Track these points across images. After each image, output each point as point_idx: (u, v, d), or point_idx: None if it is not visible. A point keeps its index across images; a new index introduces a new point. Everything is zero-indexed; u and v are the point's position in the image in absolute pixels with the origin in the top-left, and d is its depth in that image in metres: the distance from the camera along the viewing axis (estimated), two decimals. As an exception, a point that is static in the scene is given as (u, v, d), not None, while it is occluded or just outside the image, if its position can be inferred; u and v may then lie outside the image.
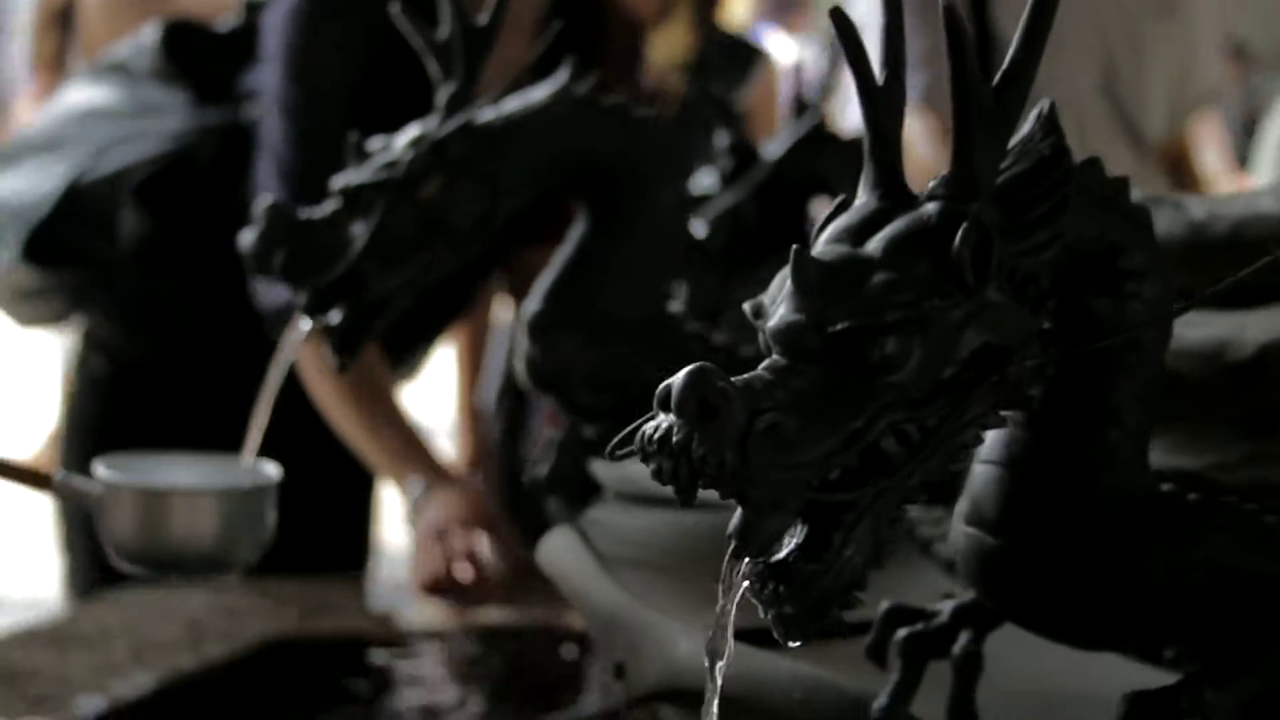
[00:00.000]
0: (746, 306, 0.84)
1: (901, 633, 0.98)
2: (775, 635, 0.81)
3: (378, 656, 1.84)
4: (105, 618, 1.90)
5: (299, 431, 2.01)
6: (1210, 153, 2.84)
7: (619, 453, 0.81)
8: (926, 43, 1.50)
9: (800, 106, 1.66)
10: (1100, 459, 0.89)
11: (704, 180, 1.69)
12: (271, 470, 1.47)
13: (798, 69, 1.68)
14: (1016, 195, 0.84)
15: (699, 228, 1.58)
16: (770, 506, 0.77)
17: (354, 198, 1.33)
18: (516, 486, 1.57)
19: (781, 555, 0.80)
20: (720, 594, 0.83)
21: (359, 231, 1.32)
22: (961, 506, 0.92)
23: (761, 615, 0.81)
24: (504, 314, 2.73)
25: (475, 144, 1.33)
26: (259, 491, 1.45)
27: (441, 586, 2.00)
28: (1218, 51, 2.85)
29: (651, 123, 1.42)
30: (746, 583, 0.81)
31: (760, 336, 0.83)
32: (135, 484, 1.41)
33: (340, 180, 1.34)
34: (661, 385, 0.77)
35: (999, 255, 0.81)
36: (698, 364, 0.76)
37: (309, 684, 1.79)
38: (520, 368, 1.42)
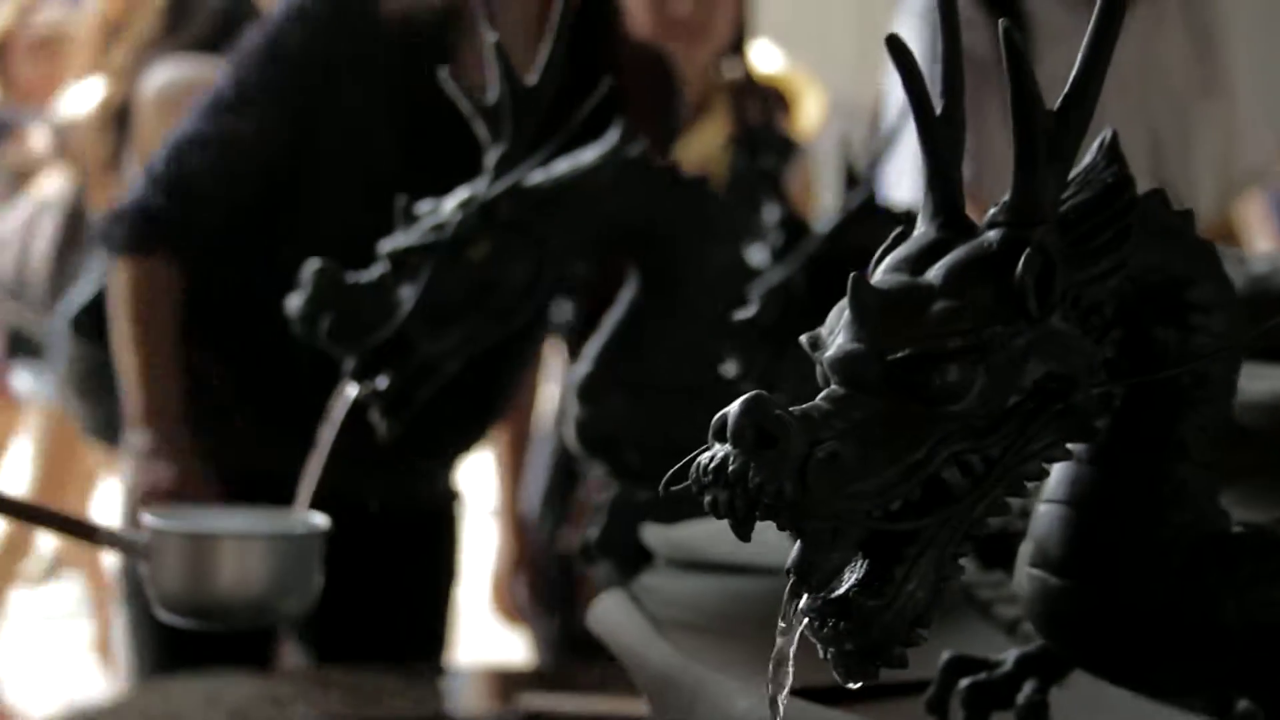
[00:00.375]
0: (804, 339, 0.82)
1: (964, 683, 0.96)
2: (835, 676, 0.79)
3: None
4: (151, 706, 1.88)
5: (380, 529, 2.00)
6: (1260, 238, 2.82)
7: (673, 487, 0.79)
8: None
9: (851, 179, 1.64)
10: (1168, 495, 0.86)
11: (755, 255, 1.68)
12: (321, 520, 1.46)
13: (847, 143, 1.66)
14: (1079, 223, 0.82)
15: (750, 302, 1.56)
16: (830, 538, 0.75)
17: (401, 261, 1.32)
18: (565, 585, 1.54)
19: (841, 590, 0.78)
20: (779, 633, 0.80)
21: (407, 295, 1.32)
22: (1025, 549, 0.90)
23: (821, 654, 0.79)
24: (545, 420, 2.71)
25: (524, 206, 1.33)
26: (309, 539, 1.44)
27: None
28: (1266, 131, 2.83)
29: (702, 185, 1.41)
30: (806, 620, 0.78)
31: (818, 369, 0.81)
32: (183, 529, 1.40)
33: (388, 244, 1.33)
34: (717, 415, 0.75)
35: (1062, 282, 0.79)
36: (753, 392, 0.74)
37: (354, 772, 1.77)
38: (569, 432, 1.40)
